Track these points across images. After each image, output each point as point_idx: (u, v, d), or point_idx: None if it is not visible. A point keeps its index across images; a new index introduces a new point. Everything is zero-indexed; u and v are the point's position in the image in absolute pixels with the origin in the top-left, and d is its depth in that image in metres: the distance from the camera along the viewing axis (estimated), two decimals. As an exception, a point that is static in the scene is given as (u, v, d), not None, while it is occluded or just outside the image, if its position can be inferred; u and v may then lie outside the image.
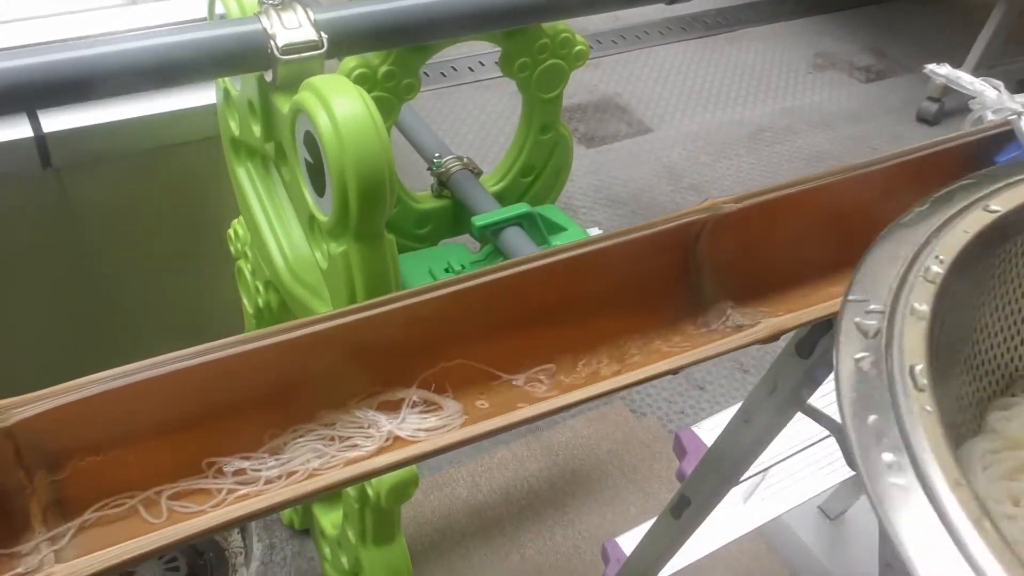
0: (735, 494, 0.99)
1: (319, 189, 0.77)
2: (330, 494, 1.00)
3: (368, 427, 0.44)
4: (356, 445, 0.44)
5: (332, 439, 0.44)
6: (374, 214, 0.72)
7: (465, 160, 1.08)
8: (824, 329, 0.56)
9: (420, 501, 1.31)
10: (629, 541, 0.98)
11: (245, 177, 0.97)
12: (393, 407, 0.46)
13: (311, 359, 0.44)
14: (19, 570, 0.34)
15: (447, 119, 2.22)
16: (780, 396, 0.63)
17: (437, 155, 1.08)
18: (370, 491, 0.86)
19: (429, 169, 1.09)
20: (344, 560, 1.02)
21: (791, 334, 0.56)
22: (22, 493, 0.36)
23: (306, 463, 0.42)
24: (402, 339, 0.46)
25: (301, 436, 0.45)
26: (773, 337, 0.48)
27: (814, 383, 0.62)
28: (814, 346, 0.59)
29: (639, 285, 0.48)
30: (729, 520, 0.97)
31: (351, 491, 0.91)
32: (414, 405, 0.46)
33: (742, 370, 1.60)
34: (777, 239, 0.54)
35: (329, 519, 1.08)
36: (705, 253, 0.48)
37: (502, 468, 1.38)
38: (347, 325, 0.44)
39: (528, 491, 1.34)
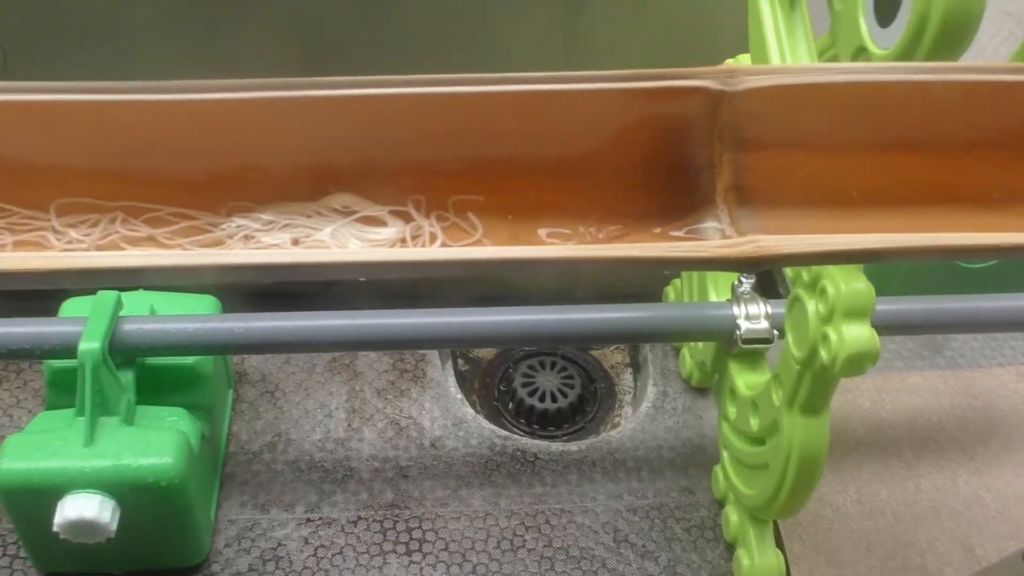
0: None
1: (885, 18, 0.71)
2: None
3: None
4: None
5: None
6: (948, 52, 0.66)
7: None
8: None
9: (818, 398, 1.25)
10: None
11: (767, 9, 0.93)
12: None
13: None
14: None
15: None
16: None
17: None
18: (824, 355, 0.82)
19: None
20: (753, 422, 1.00)
21: None
22: (710, 170, 0.35)
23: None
24: None
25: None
26: None
27: None
28: None
29: None
30: None
31: (795, 350, 0.87)
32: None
33: None
34: None
35: (744, 379, 1.05)
36: None
37: (911, 393, 1.28)
38: None
39: (935, 424, 1.24)
